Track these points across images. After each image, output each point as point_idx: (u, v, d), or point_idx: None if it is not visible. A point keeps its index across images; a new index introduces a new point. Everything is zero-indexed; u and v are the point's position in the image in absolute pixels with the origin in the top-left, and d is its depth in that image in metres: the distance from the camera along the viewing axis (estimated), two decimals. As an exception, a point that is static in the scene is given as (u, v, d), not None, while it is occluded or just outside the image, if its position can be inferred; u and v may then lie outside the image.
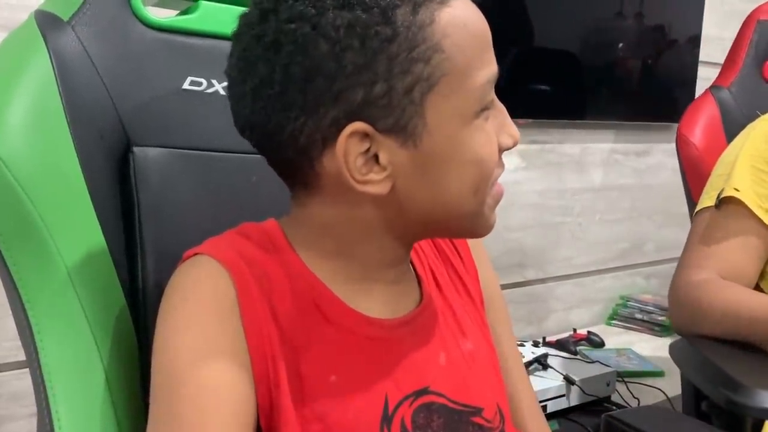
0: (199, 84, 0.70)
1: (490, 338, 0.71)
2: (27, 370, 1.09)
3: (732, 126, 1.25)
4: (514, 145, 0.60)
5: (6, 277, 0.60)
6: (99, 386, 0.61)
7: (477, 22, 0.57)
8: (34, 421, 1.11)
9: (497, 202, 0.61)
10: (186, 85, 0.70)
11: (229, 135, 0.63)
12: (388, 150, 0.55)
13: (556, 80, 1.88)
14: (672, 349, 1.05)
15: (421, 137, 0.55)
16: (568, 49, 1.90)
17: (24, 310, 0.60)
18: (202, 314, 0.56)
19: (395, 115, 0.54)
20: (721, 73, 1.35)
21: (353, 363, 0.59)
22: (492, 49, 0.58)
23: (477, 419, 0.64)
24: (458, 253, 0.73)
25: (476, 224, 0.61)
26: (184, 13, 0.73)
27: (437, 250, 0.72)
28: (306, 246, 0.61)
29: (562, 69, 1.90)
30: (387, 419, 0.58)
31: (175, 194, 0.68)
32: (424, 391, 0.61)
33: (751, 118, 1.18)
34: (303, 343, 0.58)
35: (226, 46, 0.68)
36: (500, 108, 0.59)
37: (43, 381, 0.60)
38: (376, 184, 0.55)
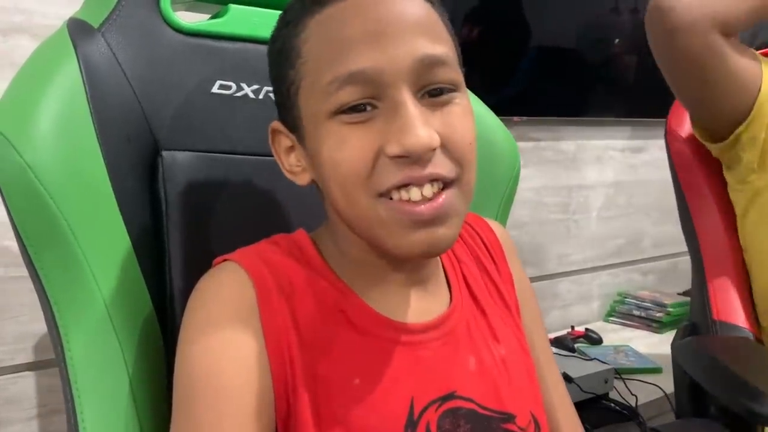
0: (228, 87, 0.71)
1: (526, 345, 0.71)
2: (24, 374, 1.10)
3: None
4: (404, 153, 0.53)
5: (35, 280, 0.61)
6: (123, 388, 0.62)
7: (339, 24, 0.55)
8: (31, 425, 1.11)
9: (402, 221, 0.55)
10: (215, 89, 0.70)
11: (258, 138, 0.64)
12: (296, 146, 0.61)
13: (550, 77, 1.88)
14: (677, 349, 1.01)
15: (303, 135, 0.59)
16: (563, 46, 1.90)
17: (52, 313, 0.61)
18: (222, 318, 0.57)
19: (290, 116, 0.60)
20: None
21: (377, 366, 0.59)
22: (364, 45, 0.54)
23: (508, 426, 0.63)
24: (493, 259, 0.73)
25: (376, 238, 0.57)
26: (214, 17, 0.73)
27: (472, 255, 0.72)
28: (330, 251, 0.63)
29: (557, 66, 1.90)
30: (412, 424, 0.58)
31: (203, 198, 0.68)
32: (450, 396, 0.61)
33: None
34: (325, 346, 0.58)
35: (256, 49, 0.69)
36: (400, 112, 0.54)
37: (69, 382, 0.61)
38: (299, 175, 0.62)
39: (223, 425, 0.54)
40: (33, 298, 1.08)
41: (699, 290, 1.18)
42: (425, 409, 0.59)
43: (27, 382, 1.12)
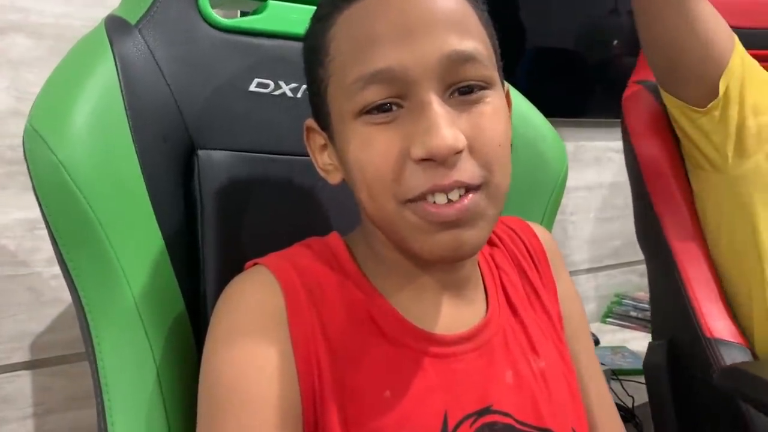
0: (266, 86, 0.70)
1: (568, 357, 0.68)
2: (19, 373, 1.09)
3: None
4: (428, 155, 0.51)
5: (68, 279, 0.60)
6: (152, 389, 0.61)
7: (365, 20, 0.53)
8: (26, 424, 1.10)
9: (425, 227, 0.53)
10: (252, 87, 0.69)
11: (295, 137, 0.63)
12: (329, 145, 0.60)
13: (549, 78, 1.88)
14: (726, 378, 0.89)
15: (332, 134, 0.58)
16: (561, 47, 1.90)
17: (84, 312, 0.60)
18: (248, 327, 0.55)
19: (321, 113, 0.59)
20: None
21: (409, 378, 0.57)
22: (389, 44, 0.52)
23: None
24: (536, 266, 0.70)
25: (401, 240, 0.55)
26: (252, 13, 0.72)
27: (513, 262, 0.69)
28: (364, 254, 0.62)
29: (556, 67, 1.90)
30: None
31: (239, 197, 0.67)
32: (486, 411, 0.58)
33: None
34: (356, 357, 0.56)
35: (294, 46, 0.68)
36: (425, 113, 0.51)
37: (99, 381, 0.60)
38: (331, 174, 0.61)
39: None
40: (29, 296, 1.09)
41: (677, 305, 1.05)
42: (460, 423, 0.57)
43: (23, 381, 1.11)
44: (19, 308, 1.09)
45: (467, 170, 0.52)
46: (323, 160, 0.61)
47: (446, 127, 0.51)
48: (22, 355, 1.10)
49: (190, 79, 0.66)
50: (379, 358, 0.57)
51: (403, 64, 0.52)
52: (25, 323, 1.10)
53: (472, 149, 0.53)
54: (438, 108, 0.51)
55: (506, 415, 0.59)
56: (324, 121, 0.59)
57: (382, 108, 0.53)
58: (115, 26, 0.64)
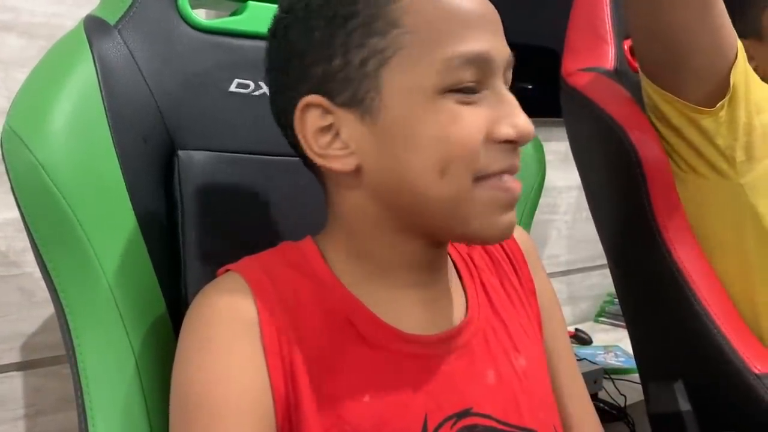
0: (246, 86, 0.70)
1: (545, 356, 0.68)
2: (10, 374, 1.09)
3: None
4: (519, 137, 0.54)
5: (47, 281, 0.60)
6: (133, 391, 0.61)
7: (451, 2, 0.54)
8: (18, 425, 1.10)
9: (499, 201, 0.55)
10: (233, 88, 0.70)
11: (276, 138, 0.62)
12: (349, 125, 0.55)
13: (540, 78, 1.88)
14: None
15: (378, 111, 0.54)
16: (551, 47, 1.90)
17: (64, 314, 0.60)
18: (219, 336, 0.54)
19: (352, 89, 0.54)
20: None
21: (388, 382, 0.56)
22: (479, 28, 0.54)
23: None
24: (514, 266, 0.70)
25: (462, 219, 0.55)
26: (232, 14, 0.72)
27: (492, 261, 0.69)
28: (335, 254, 0.60)
29: (546, 66, 1.90)
30: None
31: (220, 198, 0.67)
32: (466, 413, 0.58)
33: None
34: (334, 363, 0.56)
35: None
36: (506, 98, 0.55)
37: (80, 384, 0.60)
38: (338, 159, 0.56)
39: None
40: (21, 297, 1.08)
41: (693, 335, 0.90)
42: (440, 426, 0.56)
43: (14, 382, 1.11)
44: (10, 309, 1.09)
45: (518, 158, 0.57)
46: (320, 143, 0.56)
47: (524, 114, 0.55)
48: (14, 356, 1.10)
49: (169, 79, 0.66)
50: (357, 363, 0.56)
51: (495, 52, 0.55)
52: (17, 324, 1.09)
53: None
54: (512, 96, 0.56)
55: (487, 417, 0.58)
56: (353, 98, 0.55)
57: (470, 89, 0.54)
58: (94, 26, 0.64)
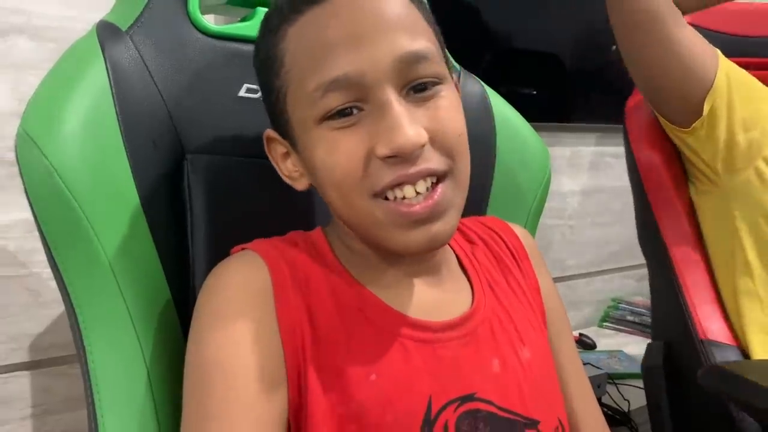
0: (255, 91, 0.71)
1: (550, 352, 0.69)
2: (16, 374, 1.10)
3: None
4: (393, 153, 0.53)
5: (59, 281, 0.61)
6: (142, 388, 0.62)
7: (317, 29, 0.55)
8: (25, 425, 1.11)
9: (397, 221, 0.55)
10: (242, 93, 0.71)
11: None
12: (292, 152, 0.62)
13: (544, 84, 1.89)
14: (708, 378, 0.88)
15: (295, 141, 0.60)
16: (555, 52, 1.90)
17: (75, 314, 0.61)
18: (236, 302, 0.56)
19: (281, 122, 0.60)
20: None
21: (395, 363, 0.58)
22: (342, 51, 0.54)
23: (531, 431, 0.61)
24: (518, 263, 0.72)
25: (374, 235, 0.58)
26: (242, 20, 0.73)
27: (494, 257, 0.71)
28: (341, 248, 0.63)
29: (551, 72, 1.90)
30: (429, 422, 0.57)
31: (228, 201, 0.68)
32: (469, 398, 0.59)
33: None
34: (342, 342, 0.58)
35: None
36: (387, 113, 0.54)
37: (90, 383, 0.61)
38: (298, 180, 0.63)
39: (231, 407, 0.53)
40: (28, 298, 1.09)
41: (674, 307, 1.08)
42: (443, 408, 0.58)
43: (21, 381, 1.12)
44: (18, 309, 1.10)
45: (432, 159, 0.56)
46: (287, 168, 0.63)
47: (408, 124, 0.53)
48: (21, 356, 1.11)
49: (180, 84, 0.67)
50: (365, 344, 0.58)
51: (359, 69, 0.54)
52: (25, 324, 1.10)
53: (433, 141, 0.56)
54: (398, 107, 0.54)
55: (489, 403, 0.60)
56: (284, 130, 0.61)
57: (343, 113, 0.55)
58: (106, 32, 0.65)
